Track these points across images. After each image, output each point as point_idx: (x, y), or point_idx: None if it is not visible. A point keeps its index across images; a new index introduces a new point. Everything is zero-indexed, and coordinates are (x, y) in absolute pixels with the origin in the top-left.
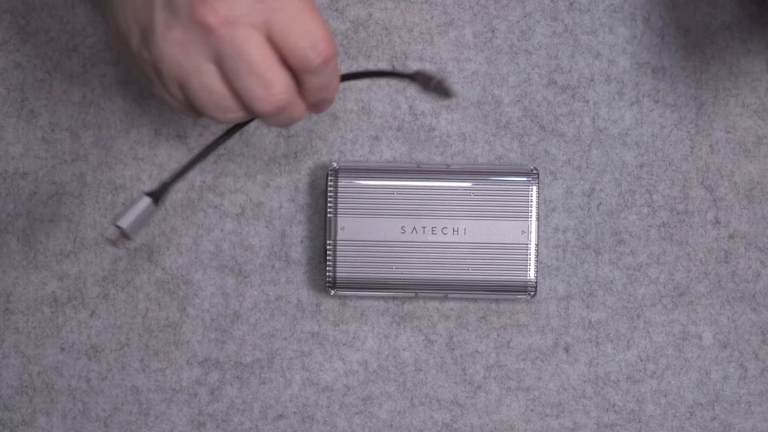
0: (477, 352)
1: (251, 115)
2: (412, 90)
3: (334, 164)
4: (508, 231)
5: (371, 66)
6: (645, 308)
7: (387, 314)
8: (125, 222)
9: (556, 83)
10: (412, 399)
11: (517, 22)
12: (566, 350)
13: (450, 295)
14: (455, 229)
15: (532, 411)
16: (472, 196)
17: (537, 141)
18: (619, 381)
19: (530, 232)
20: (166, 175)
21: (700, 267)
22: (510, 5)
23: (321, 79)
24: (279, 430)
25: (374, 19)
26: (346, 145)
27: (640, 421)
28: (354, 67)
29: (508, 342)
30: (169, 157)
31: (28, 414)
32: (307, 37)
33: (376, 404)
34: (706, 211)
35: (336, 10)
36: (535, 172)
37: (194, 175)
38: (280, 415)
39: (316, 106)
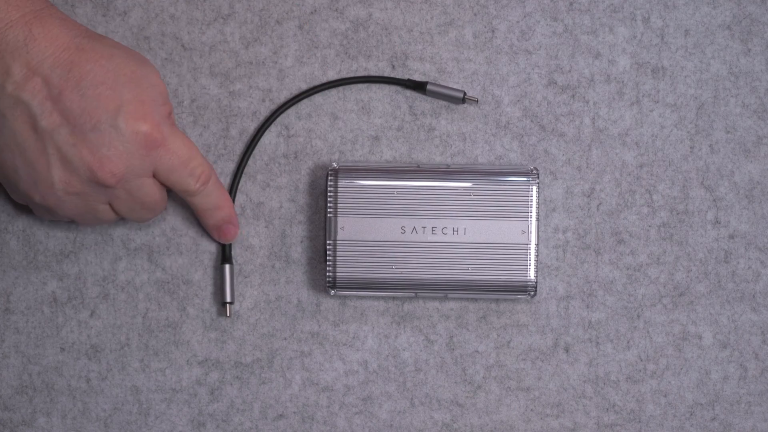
0: (477, 352)
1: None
2: (412, 90)
3: (334, 164)
4: (508, 231)
5: (371, 66)
6: (645, 308)
7: (387, 314)
8: (229, 296)
9: (556, 83)
10: (412, 399)
11: (517, 22)
12: (566, 350)
13: (450, 295)
14: (455, 229)
15: (532, 411)
16: (472, 196)
17: (537, 141)
18: (619, 381)
19: (530, 232)
20: None
21: (700, 267)
22: (510, 5)
23: (208, 199)
24: (279, 430)
25: (374, 19)
26: (346, 145)
27: (640, 421)
28: (354, 67)
29: (508, 342)
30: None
31: (28, 414)
32: (185, 169)
33: (376, 404)
34: (706, 211)
35: (336, 10)
36: (535, 172)
37: None
38: (280, 415)
39: (220, 230)
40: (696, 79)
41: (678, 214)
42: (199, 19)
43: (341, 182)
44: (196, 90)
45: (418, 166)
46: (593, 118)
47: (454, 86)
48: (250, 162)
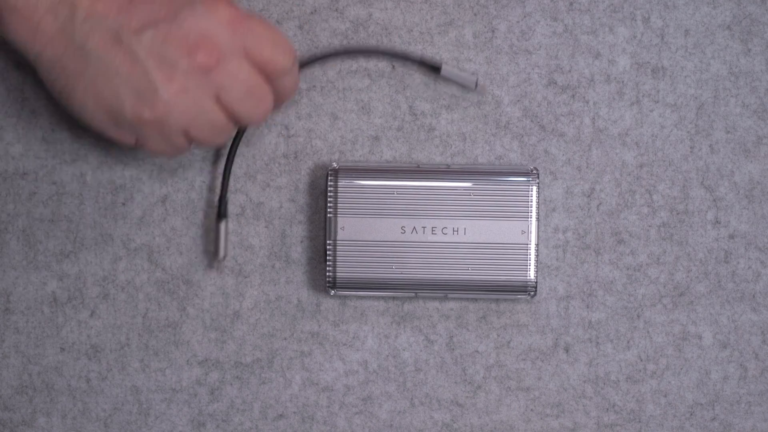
0: (477, 352)
1: (241, 128)
2: (412, 90)
3: (334, 164)
4: (508, 231)
5: (371, 66)
6: (645, 308)
7: (387, 314)
8: (222, 252)
9: (556, 83)
10: (412, 399)
11: (517, 22)
12: (566, 350)
13: (450, 295)
14: (455, 229)
15: (532, 411)
16: (472, 196)
17: (537, 141)
18: (619, 381)
19: (530, 232)
20: (166, 175)
21: (700, 267)
22: (510, 5)
23: (291, 77)
24: (279, 430)
25: (374, 19)
26: (346, 145)
27: (640, 421)
28: (354, 67)
29: (508, 342)
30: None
31: (28, 414)
32: (276, 46)
33: (376, 404)
34: (706, 211)
35: (336, 10)
36: (535, 172)
37: (194, 175)
38: (280, 415)
39: (281, 101)
40: (696, 79)
41: (678, 214)
42: None
43: (341, 182)
44: None
45: (418, 166)
46: (593, 118)
47: (454, 86)
48: (250, 162)
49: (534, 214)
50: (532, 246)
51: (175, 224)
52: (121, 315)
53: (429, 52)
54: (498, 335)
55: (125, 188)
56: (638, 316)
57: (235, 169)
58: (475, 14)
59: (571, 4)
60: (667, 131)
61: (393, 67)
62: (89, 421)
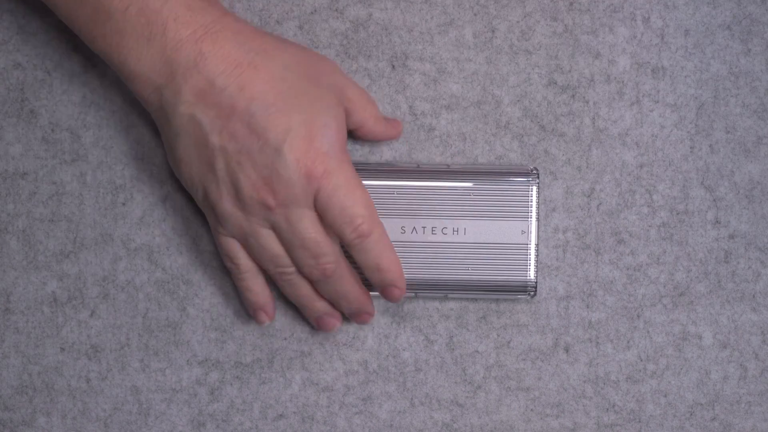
0: (477, 352)
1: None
2: (412, 90)
3: None
4: (508, 231)
5: (371, 66)
6: (645, 308)
7: (387, 314)
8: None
9: (556, 83)
10: (412, 399)
11: (517, 22)
12: (566, 350)
13: (450, 295)
14: (455, 229)
15: (532, 411)
16: (472, 196)
17: (537, 141)
18: (619, 381)
19: (530, 232)
20: (166, 175)
21: (700, 267)
22: (510, 5)
23: (364, 255)
24: (279, 430)
25: (374, 19)
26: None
27: (640, 421)
28: (354, 67)
29: (508, 342)
30: None
31: (28, 414)
32: (344, 214)
33: (376, 404)
34: (706, 211)
35: (336, 10)
36: (535, 171)
37: None
38: (280, 415)
39: (383, 290)
40: (696, 79)
41: (678, 214)
42: None
43: None
44: None
45: (418, 166)
46: (593, 118)
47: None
48: None
49: (534, 214)
50: (532, 246)
51: (175, 224)
52: (121, 315)
53: (429, 52)
54: (498, 335)
55: (125, 188)
56: (638, 316)
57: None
58: (475, 14)
59: (571, 4)
60: (667, 131)
61: (393, 67)
62: (89, 421)
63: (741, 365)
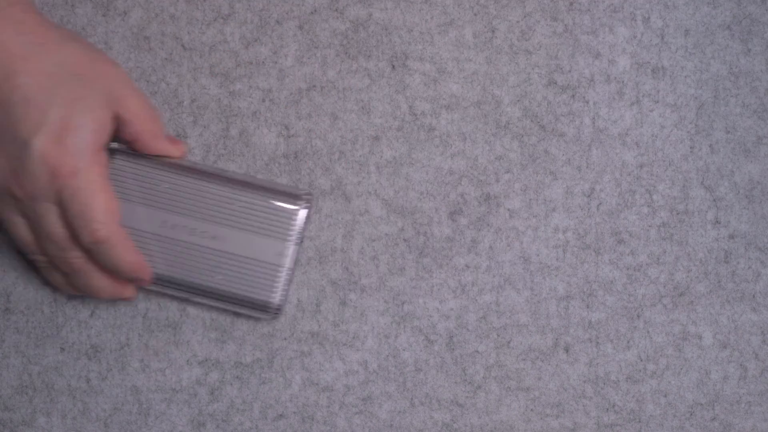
0: (477, 352)
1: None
2: (412, 90)
3: (114, 144)
4: (265, 249)
5: (371, 66)
6: (645, 308)
7: (387, 314)
8: None
9: (556, 83)
10: (412, 399)
11: (517, 22)
12: (566, 350)
13: (193, 299)
14: (215, 235)
15: (532, 411)
16: (238, 207)
17: (537, 141)
18: (619, 381)
19: (286, 255)
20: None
21: (700, 267)
22: (510, 5)
23: (102, 259)
24: (279, 430)
25: (374, 19)
26: (346, 145)
27: (640, 421)
28: (354, 67)
29: (508, 342)
30: None
31: (28, 414)
32: (82, 218)
33: (376, 404)
34: (706, 211)
35: (336, 10)
36: (307, 197)
37: None
38: (280, 415)
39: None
40: (696, 79)
41: (678, 214)
42: (199, 19)
43: (117, 162)
44: (196, 90)
45: (194, 165)
46: (593, 118)
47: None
48: (250, 162)
49: (294, 239)
50: (285, 269)
51: None
52: (121, 315)
53: (429, 52)
54: (498, 335)
55: None
56: (638, 316)
57: (235, 169)
58: (475, 14)
59: (571, 4)
60: (667, 131)
61: (393, 67)
62: (89, 421)
63: (741, 365)
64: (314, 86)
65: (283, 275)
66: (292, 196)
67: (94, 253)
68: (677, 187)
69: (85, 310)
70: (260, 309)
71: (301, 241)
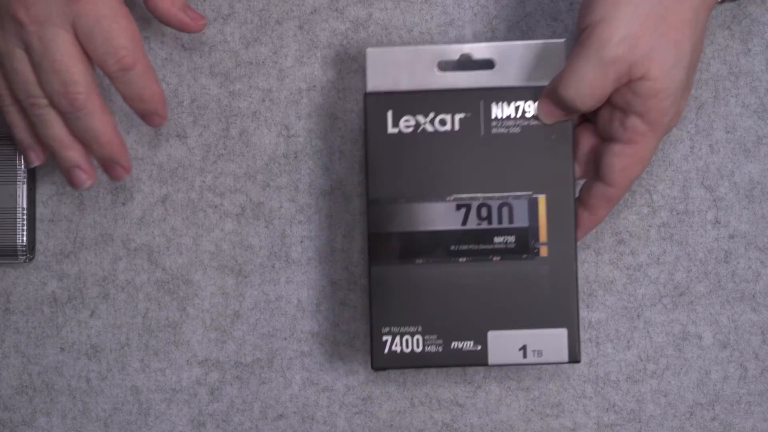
0: None
1: (55, 108)
2: None
3: None
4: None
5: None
6: (645, 308)
7: None
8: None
9: None
10: (412, 399)
11: (517, 22)
12: None
13: None
14: None
15: (532, 411)
16: None
17: None
18: (619, 381)
19: (19, 196)
20: (166, 175)
21: (700, 267)
22: (510, 5)
23: (127, 88)
24: (279, 430)
25: (374, 19)
26: (346, 145)
27: (640, 421)
28: (354, 67)
29: None
30: (169, 157)
31: (28, 414)
32: (107, 45)
33: (376, 404)
34: (706, 211)
35: (336, 10)
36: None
37: (194, 175)
38: (280, 415)
39: (144, 117)
40: (696, 79)
41: (678, 214)
42: None
43: None
44: (196, 90)
45: None
46: None
47: None
48: (250, 162)
49: (23, 179)
50: (21, 210)
51: (175, 224)
52: (121, 315)
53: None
54: None
55: (125, 188)
56: (638, 316)
57: (235, 169)
58: (475, 14)
59: (571, 4)
60: None
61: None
62: (89, 421)
63: (741, 365)
64: (314, 86)
65: (22, 216)
66: (10, 139)
67: (119, 82)
68: (677, 187)
69: (85, 310)
70: (10, 255)
71: (29, 181)
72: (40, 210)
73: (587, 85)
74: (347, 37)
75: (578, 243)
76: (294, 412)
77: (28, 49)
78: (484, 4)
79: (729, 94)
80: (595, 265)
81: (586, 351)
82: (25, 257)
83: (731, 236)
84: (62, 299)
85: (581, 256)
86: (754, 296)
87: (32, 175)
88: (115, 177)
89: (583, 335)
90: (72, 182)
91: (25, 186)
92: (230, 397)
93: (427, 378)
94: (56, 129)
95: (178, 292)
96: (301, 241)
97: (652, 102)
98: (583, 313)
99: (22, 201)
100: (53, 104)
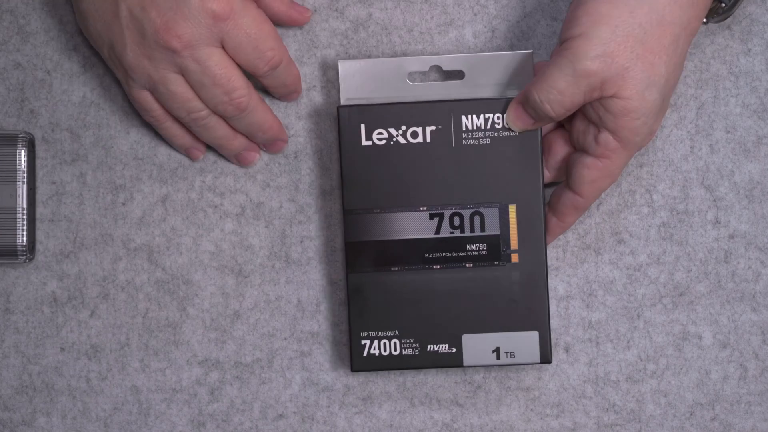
0: None
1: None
2: None
3: None
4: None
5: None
6: (645, 308)
7: None
8: None
9: None
10: (412, 399)
11: (517, 22)
12: (566, 350)
13: None
14: None
15: (532, 411)
16: None
17: None
18: (619, 381)
19: (19, 195)
20: (166, 175)
21: (700, 267)
22: (510, 5)
23: (274, 80)
24: (279, 430)
25: (374, 19)
26: None
27: (640, 421)
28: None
29: None
30: (169, 157)
31: (28, 414)
32: (257, 52)
33: (376, 404)
34: (706, 211)
35: (336, 10)
36: (24, 136)
37: (194, 175)
38: (280, 415)
39: (285, 97)
40: (696, 79)
41: (678, 214)
42: None
43: None
44: None
45: None
46: None
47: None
48: None
49: (23, 179)
50: (21, 210)
51: (175, 224)
52: (121, 315)
53: (429, 52)
54: None
55: (125, 188)
56: (638, 316)
57: (235, 169)
58: (475, 14)
59: (570, 4)
60: (667, 131)
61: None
62: (89, 421)
63: (741, 365)
64: (314, 86)
65: (22, 216)
66: (10, 138)
67: (268, 80)
68: (677, 187)
69: (85, 310)
70: (10, 255)
71: (28, 180)
72: (40, 210)
73: (559, 93)
74: (347, 37)
75: (578, 243)
76: (294, 412)
77: (184, 72)
78: (484, 4)
79: (729, 94)
80: (595, 265)
81: (586, 351)
82: (25, 257)
83: (731, 236)
84: (62, 299)
85: (582, 256)
86: (754, 296)
87: (32, 175)
88: (276, 150)
89: (583, 335)
90: (243, 163)
91: (25, 186)
92: (230, 397)
93: (427, 378)
94: (219, 131)
95: (178, 292)
96: (301, 241)
97: (624, 120)
98: (583, 313)
99: (22, 201)
100: (216, 112)
